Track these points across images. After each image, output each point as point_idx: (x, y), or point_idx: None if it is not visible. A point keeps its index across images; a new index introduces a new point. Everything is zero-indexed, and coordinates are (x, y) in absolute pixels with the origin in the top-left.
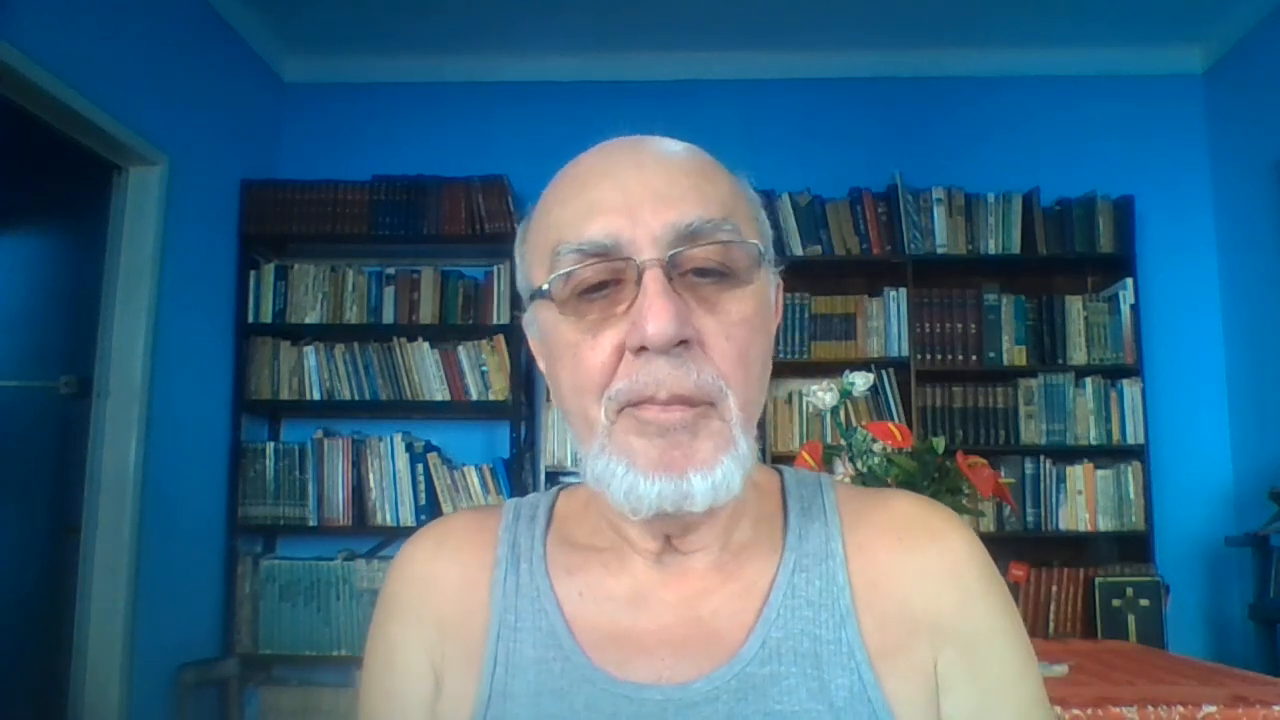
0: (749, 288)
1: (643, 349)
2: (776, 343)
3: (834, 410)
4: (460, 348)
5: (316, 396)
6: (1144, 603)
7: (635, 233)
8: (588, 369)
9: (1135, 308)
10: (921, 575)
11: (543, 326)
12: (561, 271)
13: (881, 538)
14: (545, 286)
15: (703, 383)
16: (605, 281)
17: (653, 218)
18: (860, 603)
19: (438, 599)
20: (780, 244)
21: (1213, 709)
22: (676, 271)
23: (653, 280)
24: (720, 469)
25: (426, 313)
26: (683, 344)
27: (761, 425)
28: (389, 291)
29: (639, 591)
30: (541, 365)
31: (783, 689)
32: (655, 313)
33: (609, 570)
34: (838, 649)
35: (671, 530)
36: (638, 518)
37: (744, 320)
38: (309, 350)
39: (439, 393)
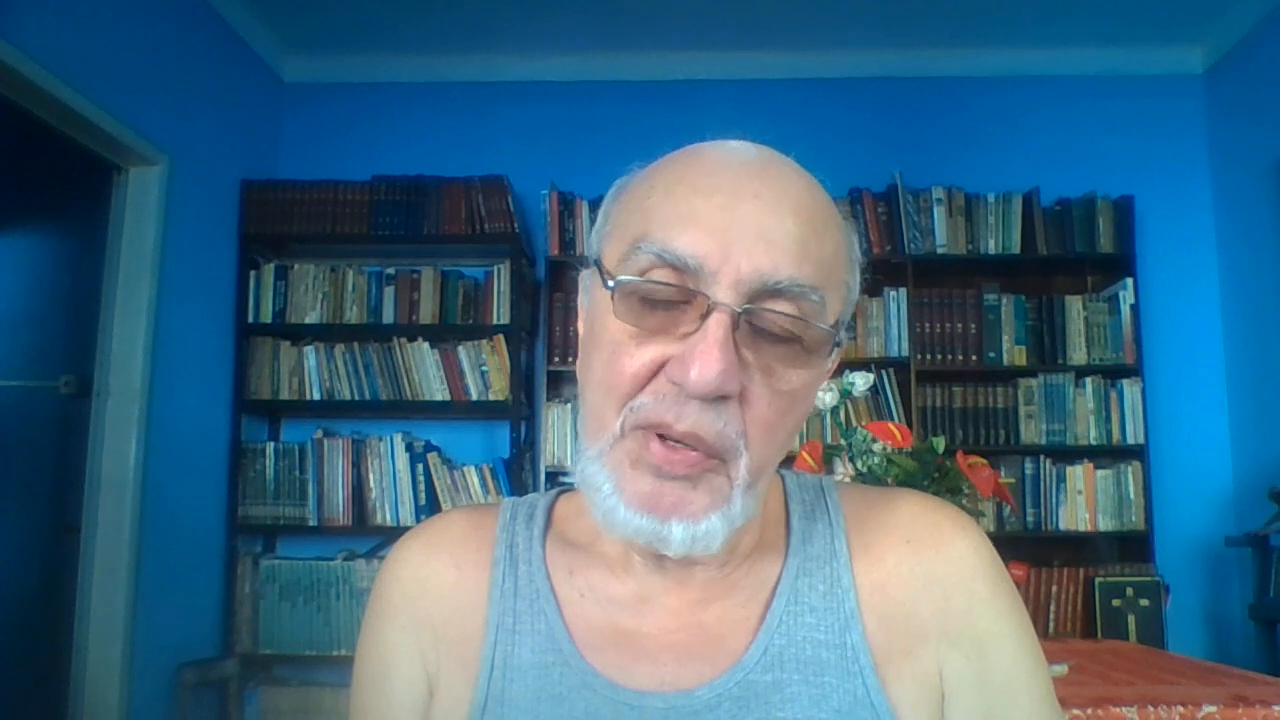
0: (812, 363)
1: (679, 384)
2: None
3: (834, 410)
4: (460, 348)
5: (316, 396)
6: (1144, 603)
7: (723, 266)
8: (619, 373)
9: (1135, 308)
10: (930, 580)
11: (596, 306)
12: (631, 276)
13: (889, 540)
14: (611, 283)
15: (725, 435)
16: (673, 299)
17: (746, 258)
18: (865, 605)
19: (432, 600)
20: None
21: (1213, 709)
22: (746, 320)
23: (717, 327)
24: (705, 524)
25: (426, 313)
26: (723, 397)
27: None
28: (389, 291)
29: (642, 595)
30: (581, 329)
31: (785, 696)
32: (706, 362)
33: (612, 572)
34: (841, 654)
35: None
36: (610, 538)
37: (793, 392)
38: (309, 350)
39: (439, 393)
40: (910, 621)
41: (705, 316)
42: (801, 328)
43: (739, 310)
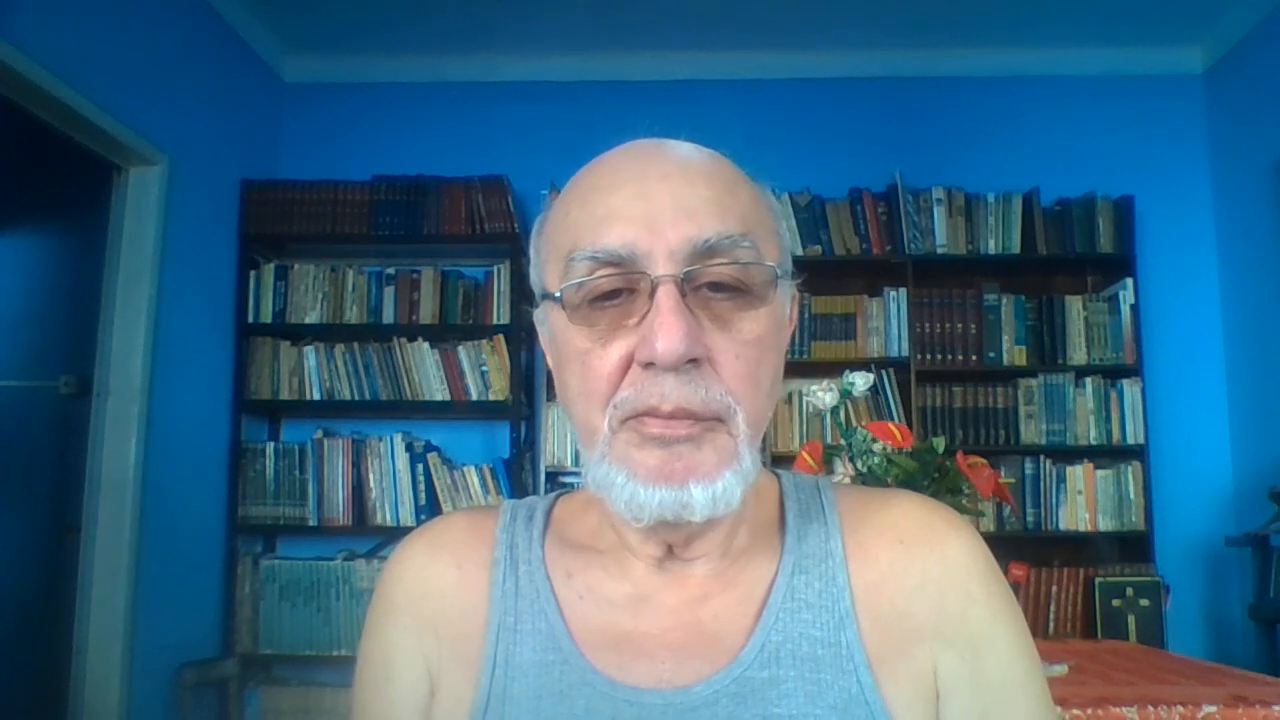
0: (763, 306)
1: (651, 364)
2: None
3: (834, 410)
4: (460, 348)
5: (316, 396)
6: (1144, 603)
7: (653, 245)
8: (594, 378)
9: (1135, 308)
10: (924, 580)
11: (553, 329)
12: (574, 281)
13: (883, 540)
14: (558, 294)
15: (711, 399)
16: (618, 290)
17: (671, 230)
18: (860, 605)
19: (434, 601)
20: None
21: (1213, 709)
22: (690, 286)
23: (666, 296)
24: (721, 482)
25: (426, 313)
26: (692, 362)
27: None
28: (389, 291)
29: (639, 595)
30: (550, 363)
31: (781, 692)
32: (666, 331)
33: (609, 573)
34: (837, 652)
35: (674, 539)
36: (640, 525)
37: (756, 339)
38: (309, 350)
39: (439, 393)
40: (905, 621)
41: (653, 293)
42: (744, 274)
43: (680, 275)
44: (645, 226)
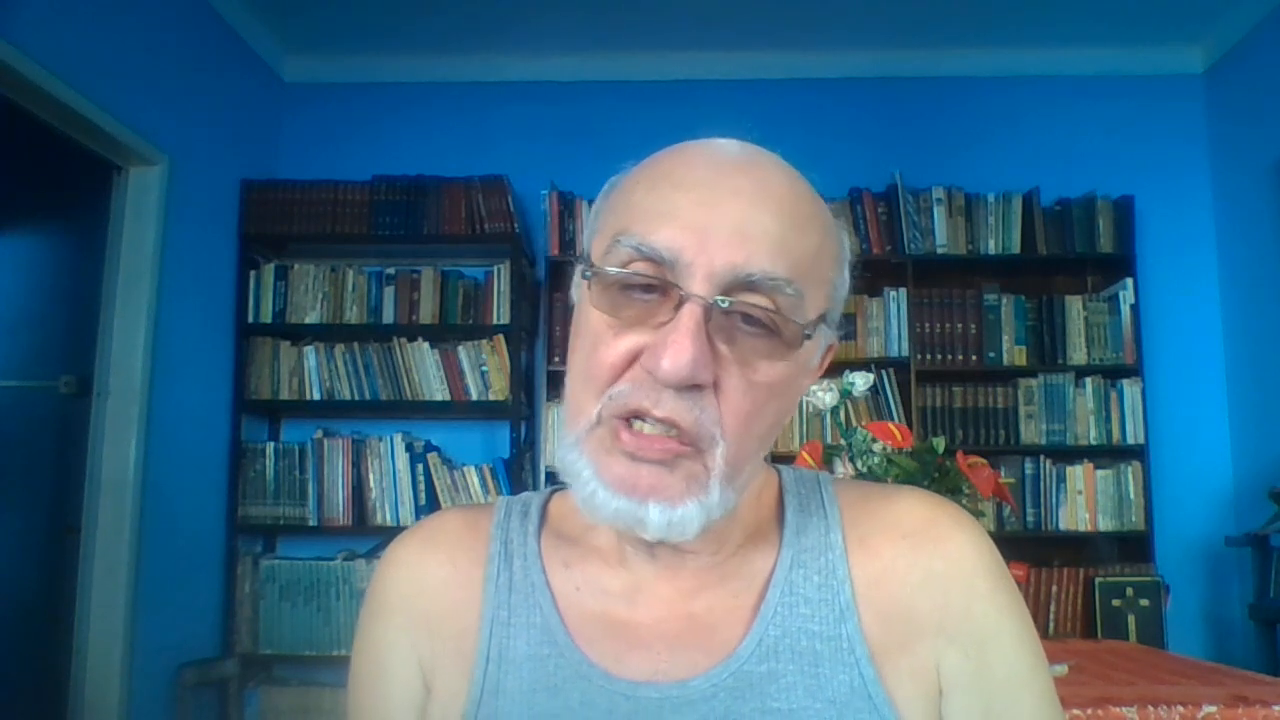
0: (789, 355)
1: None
2: None
3: (834, 410)
4: (460, 348)
5: (316, 396)
6: (1144, 603)
7: (697, 259)
8: (599, 364)
9: (1135, 308)
10: (928, 576)
11: (580, 298)
12: (610, 266)
13: (886, 536)
14: (589, 274)
15: (701, 423)
16: (651, 286)
17: (720, 252)
18: (861, 598)
19: (427, 598)
20: None
21: (1213, 709)
22: (720, 312)
23: (688, 317)
24: (682, 509)
25: (426, 313)
26: (697, 387)
27: None
28: (389, 291)
29: (635, 586)
30: (573, 321)
31: (780, 687)
32: (676, 351)
33: (607, 565)
34: (837, 645)
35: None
36: (592, 521)
37: (768, 384)
38: (309, 350)
39: (439, 393)
40: (908, 617)
41: (678, 307)
42: (778, 320)
43: (711, 301)
44: (696, 238)
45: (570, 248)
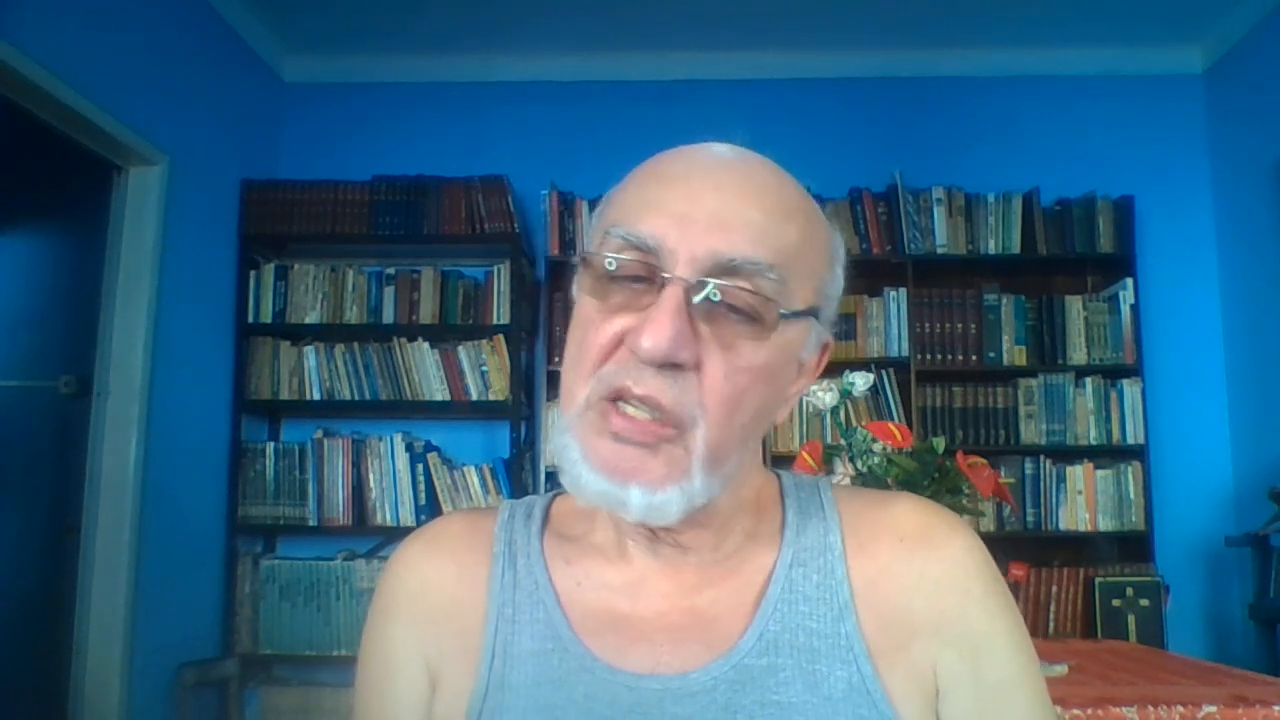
0: (770, 338)
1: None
2: None
3: (834, 410)
4: (460, 348)
5: (316, 396)
6: (1144, 603)
7: (679, 245)
8: (589, 348)
9: (1135, 308)
10: (922, 579)
11: (577, 290)
12: (601, 254)
13: (883, 539)
14: (582, 258)
15: (681, 402)
16: (638, 276)
17: (701, 238)
18: (859, 598)
19: (433, 597)
20: None
21: (1213, 709)
22: (701, 296)
23: (669, 297)
24: (663, 494)
25: (426, 313)
26: (677, 366)
27: None
28: (389, 291)
29: (637, 580)
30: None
31: (780, 680)
32: (656, 328)
33: (608, 560)
34: (835, 643)
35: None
36: (579, 503)
37: (750, 368)
38: (309, 350)
39: (439, 393)
40: (903, 618)
41: (662, 290)
42: (758, 304)
43: (692, 282)
44: (679, 225)
45: (570, 248)
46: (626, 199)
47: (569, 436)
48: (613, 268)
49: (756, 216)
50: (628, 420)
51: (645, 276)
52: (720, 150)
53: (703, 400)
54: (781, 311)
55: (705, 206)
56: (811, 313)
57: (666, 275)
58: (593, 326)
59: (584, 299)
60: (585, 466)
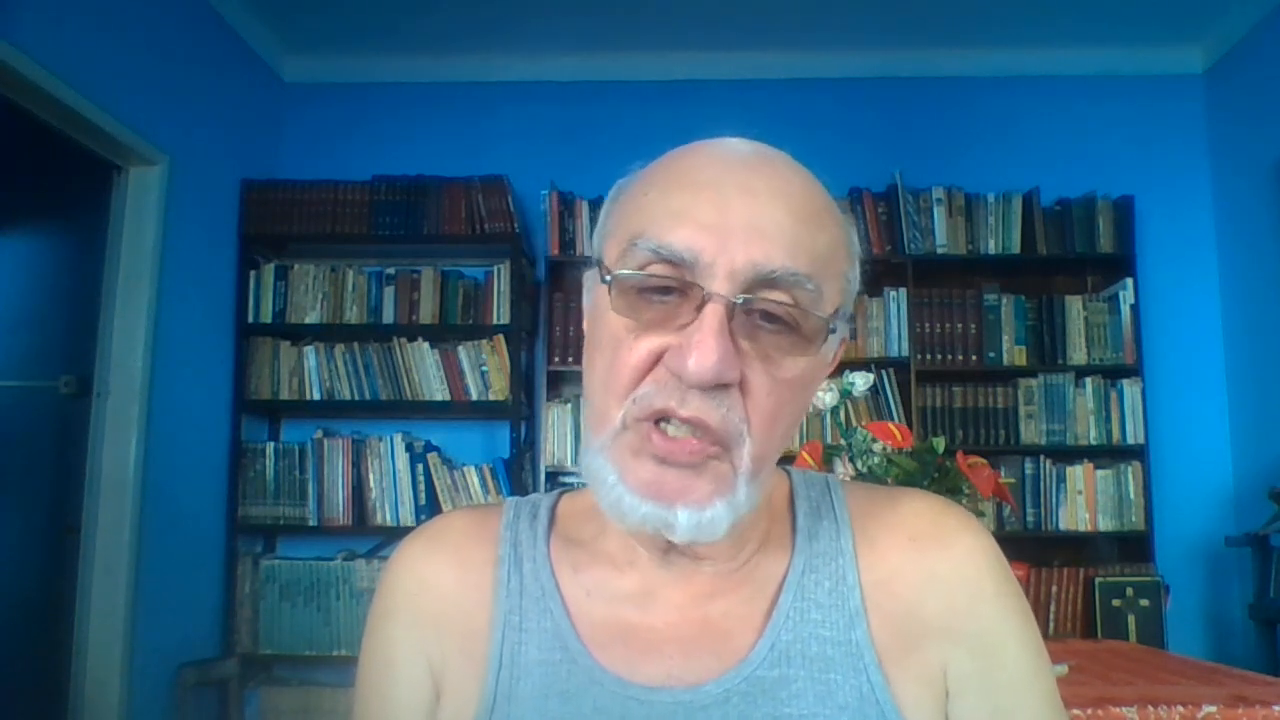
0: (810, 351)
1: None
2: None
3: (834, 410)
4: (460, 348)
5: (316, 396)
6: (1144, 603)
7: (717, 258)
8: (621, 367)
9: (1135, 308)
10: (933, 578)
11: (596, 304)
12: (629, 270)
13: (893, 538)
14: (608, 277)
15: (728, 421)
16: (670, 289)
17: (740, 249)
18: (869, 603)
19: (436, 599)
20: None
21: (1213, 709)
22: (742, 310)
23: (713, 316)
24: (711, 510)
25: (426, 313)
26: (723, 386)
27: None
28: (389, 291)
29: (647, 590)
30: (585, 327)
31: (791, 692)
32: (703, 352)
33: (617, 569)
34: (846, 651)
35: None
36: (621, 528)
37: (792, 381)
38: (309, 350)
39: (439, 393)
40: (914, 619)
41: (701, 307)
42: (798, 316)
43: (734, 300)
44: (715, 237)
45: (570, 248)
46: (649, 206)
47: (603, 459)
48: (640, 281)
49: (789, 223)
50: (672, 442)
51: (679, 290)
52: (741, 148)
53: (748, 416)
54: (831, 327)
55: (739, 215)
56: (841, 316)
57: (707, 292)
58: (624, 345)
59: (608, 315)
60: (624, 489)
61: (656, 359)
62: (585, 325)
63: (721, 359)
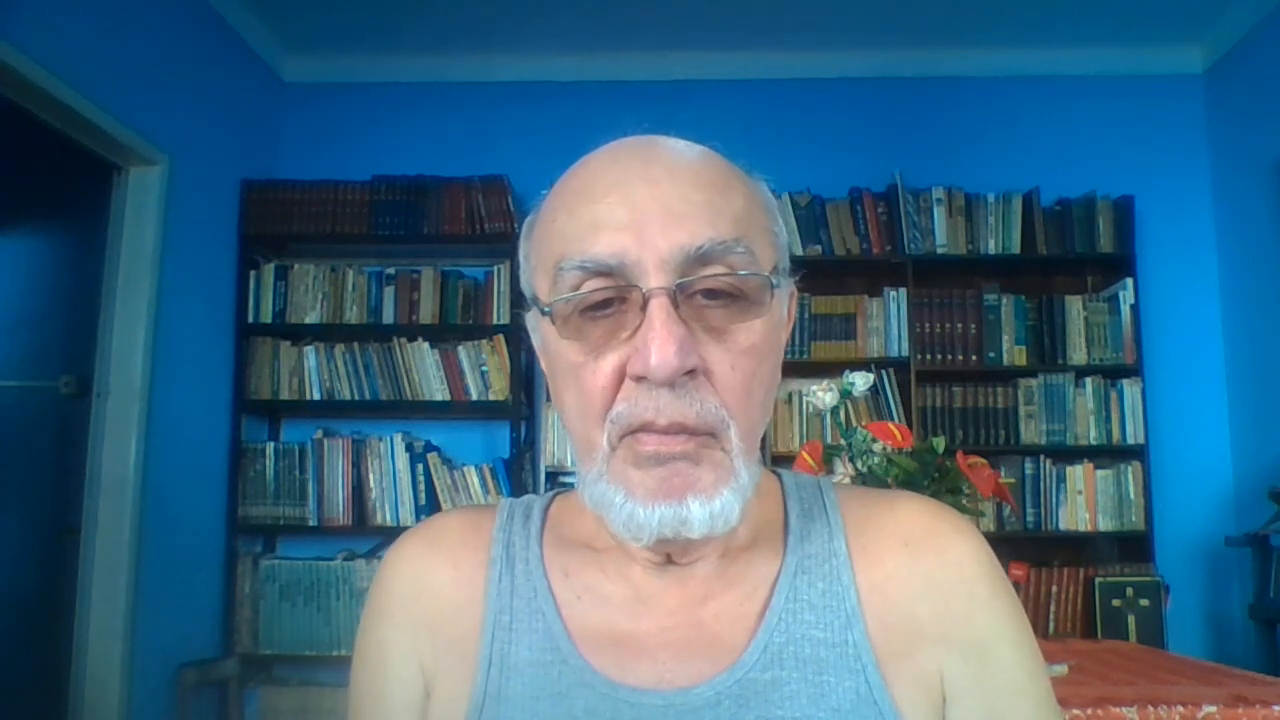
0: (761, 313)
1: (644, 378)
2: None
3: (834, 410)
4: (460, 348)
5: (316, 396)
6: (1144, 603)
7: (642, 253)
8: (589, 392)
9: (1135, 308)
10: (928, 583)
11: (545, 340)
12: (563, 295)
13: (888, 543)
14: (547, 308)
15: (705, 413)
16: (609, 301)
17: (661, 238)
18: (866, 605)
19: (429, 599)
20: None
21: (1213, 709)
22: (683, 296)
23: (658, 309)
24: (719, 500)
25: (426, 313)
26: (687, 374)
27: None
28: (389, 291)
29: (639, 594)
30: (544, 367)
31: (784, 694)
32: (659, 345)
33: (607, 573)
34: (843, 652)
35: (672, 548)
36: (639, 545)
37: (751, 348)
38: (309, 350)
39: (439, 393)
40: (909, 623)
41: (644, 306)
42: (739, 282)
43: (672, 288)
44: (634, 234)
45: None
46: (563, 228)
47: (605, 483)
48: (579, 301)
49: (700, 197)
50: (660, 437)
51: (618, 299)
52: (631, 144)
53: (723, 400)
54: (768, 280)
55: (649, 205)
56: (780, 271)
57: (644, 290)
58: (585, 369)
59: (559, 345)
60: (635, 503)
61: (620, 375)
62: (543, 365)
63: (680, 345)
